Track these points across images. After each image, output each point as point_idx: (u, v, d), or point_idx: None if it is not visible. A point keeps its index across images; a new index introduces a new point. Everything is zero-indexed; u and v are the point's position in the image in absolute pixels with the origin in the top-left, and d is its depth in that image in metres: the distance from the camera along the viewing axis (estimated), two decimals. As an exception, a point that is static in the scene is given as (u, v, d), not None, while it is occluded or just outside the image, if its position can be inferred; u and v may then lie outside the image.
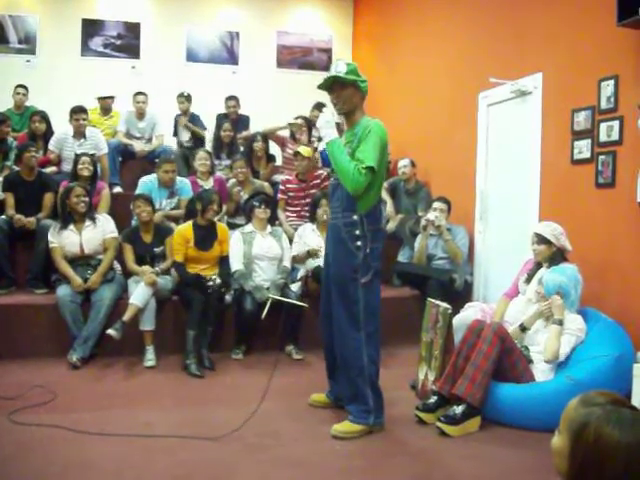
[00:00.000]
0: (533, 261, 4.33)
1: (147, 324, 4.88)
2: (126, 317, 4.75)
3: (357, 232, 3.42)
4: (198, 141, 7.74)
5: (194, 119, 7.89)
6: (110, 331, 4.65)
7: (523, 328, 3.97)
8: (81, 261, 5.07)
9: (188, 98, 7.81)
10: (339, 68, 3.46)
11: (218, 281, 4.96)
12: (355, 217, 3.42)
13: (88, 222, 5.16)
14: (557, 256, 4.13)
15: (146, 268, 5.01)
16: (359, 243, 3.41)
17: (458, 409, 3.52)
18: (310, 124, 6.95)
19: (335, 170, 3.45)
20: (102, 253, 5.16)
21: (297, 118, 7.13)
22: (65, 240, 5.06)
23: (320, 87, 3.56)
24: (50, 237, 5.08)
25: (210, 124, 7.88)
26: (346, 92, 3.47)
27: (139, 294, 4.83)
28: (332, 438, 3.41)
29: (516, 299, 4.33)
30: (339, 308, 3.49)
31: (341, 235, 3.46)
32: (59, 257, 5.01)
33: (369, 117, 3.53)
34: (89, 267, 5.05)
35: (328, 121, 3.49)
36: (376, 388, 3.51)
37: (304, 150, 6.29)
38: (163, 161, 6.06)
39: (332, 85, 3.49)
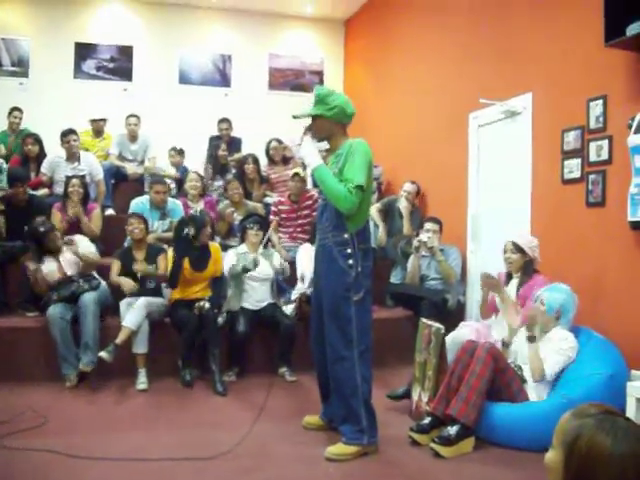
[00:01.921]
0: (504, 273, 4.44)
1: (140, 347, 4.84)
2: (119, 340, 4.71)
3: (349, 251, 3.43)
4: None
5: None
6: (102, 354, 4.61)
7: (504, 344, 4.01)
8: (66, 282, 5.05)
9: (180, 152, 7.76)
10: (310, 100, 3.58)
11: (207, 305, 4.92)
12: (346, 236, 3.44)
13: (64, 247, 5.20)
14: (528, 267, 4.29)
15: (125, 280, 5.03)
16: (351, 261, 3.43)
17: (452, 430, 3.51)
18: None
19: (325, 194, 3.48)
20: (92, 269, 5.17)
21: (270, 141, 7.24)
22: (45, 270, 5.06)
23: (295, 118, 3.68)
24: (43, 266, 5.09)
25: (202, 145, 7.89)
26: (316, 123, 3.58)
27: (132, 317, 4.79)
28: (326, 460, 3.38)
29: (497, 317, 4.38)
30: (331, 327, 3.48)
31: (333, 254, 3.47)
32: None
33: (351, 139, 3.57)
34: (71, 284, 5.01)
35: (306, 148, 3.55)
36: (369, 407, 3.49)
37: (302, 172, 6.33)
38: (155, 182, 6.08)
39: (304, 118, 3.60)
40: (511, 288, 4.35)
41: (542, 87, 4.90)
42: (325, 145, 3.69)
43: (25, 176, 5.94)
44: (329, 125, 3.56)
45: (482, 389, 3.55)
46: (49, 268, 5.08)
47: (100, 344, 4.76)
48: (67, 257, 5.15)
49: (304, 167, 6.20)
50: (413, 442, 3.64)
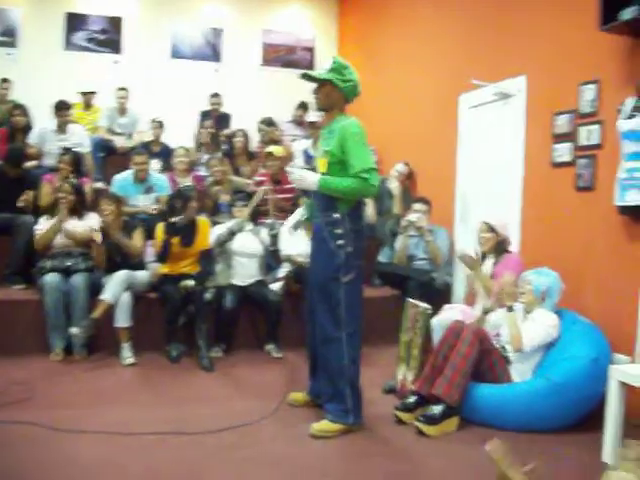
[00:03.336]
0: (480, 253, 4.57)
1: (121, 321, 4.81)
2: (96, 314, 4.71)
3: (339, 231, 3.41)
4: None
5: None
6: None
7: (485, 311, 4.11)
8: (62, 251, 5.03)
9: (160, 124, 7.45)
10: (326, 66, 3.51)
11: (191, 283, 4.91)
12: (336, 215, 3.42)
13: (75, 217, 5.15)
14: (500, 246, 4.46)
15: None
16: (341, 242, 3.40)
17: (436, 409, 3.54)
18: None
19: (345, 196, 3.40)
20: (83, 246, 5.11)
21: (260, 122, 7.34)
22: (69, 227, 5.07)
23: (303, 77, 3.59)
24: (37, 226, 5.10)
25: (192, 121, 7.84)
26: (324, 89, 3.52)
27: (110, 290, 4.77)
28: (310, 437, 3.41)
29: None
30: (321, 308, 3.49)
31: (323, 234, 3.46)
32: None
33: (346, 116, 3.54)
34: (70, 257, 5.01)
35: (296, 176, 3.49)
36: (356, 388, 3.51)
37: (276, 150, 6.25)
38: (134, 153, 6.09)
39: (313, 81, 3.54)
40: (486, 267, 4.44)
41: (536, 70, 4.89)
42: (318, 116, 3.65)
43: (21, 155, 5.88)
44: (336, 96, 3.51)
45: (467, 370, 3.59)
46: (68, 227, 5.08)
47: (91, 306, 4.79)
48: (72, 227, 5.12)
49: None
50: (398, 420, 3.67)
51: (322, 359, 3.56)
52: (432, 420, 3.51)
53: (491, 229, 4.44)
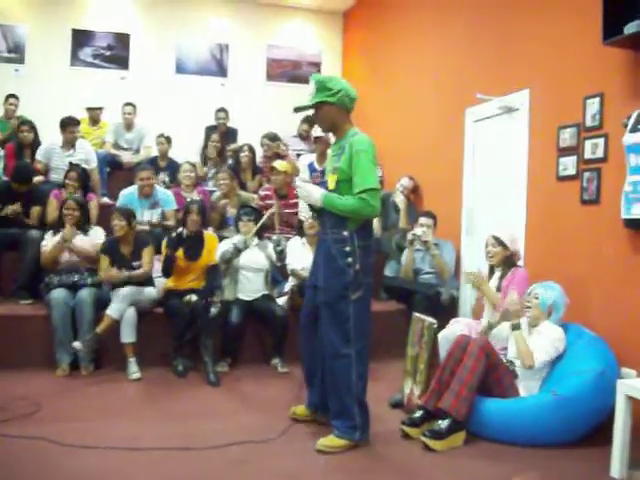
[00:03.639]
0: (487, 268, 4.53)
1: (126, 336, 4.82)
2: (99, 329, 4.73)
3: (347, 249, 3.40)
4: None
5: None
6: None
7: (490, 326, 4.08)
8: (68, 268, 5.05)
9: (168, 140, 7.41)
10: (310, 90, 3.50)
11: (194, 298, 4.92)
12: (345, 233, 3.41)
13: (80, 233, 5.16)
14: (509, 260, 4.39)
15: (114, 272, 4.98)
16: (350, 260, 3.39)
17: (443, 424, 3.53)
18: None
19: (346, 215, 3.40)
20: (89, 262, 5.13)
21: (263, 137, 7.34)
22: (77, 243, 5.08)
23: (296, 111, 3.61)
24: (44, 242, 5.12)
25: (198, 135, 7.88)
26: (320, 112, 3.52)
27: (114, 306, 4.79)
28: (316, 452, 3.40)
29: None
30: (329, 325, 3.46)
31: (331, 252, 3.44)
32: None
33: (356, 129, 3.53)
34: (76, 273, 5.02)
35: (303, 190, 3.54)
36: (363, 404, 3.50)
37: (279, 164, 6.27)
38: (139, 169, 6.09)
39: (306, 109, 3.56)
40: (493, 281, 4.41)
41: (539, 84, 4.90)
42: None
43: (29, 172, 5.90)
44: (334, 111, 3.49)
45: (473, 384, 3.58)
46: (76, 243, 5.08)
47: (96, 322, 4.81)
48: (78, 243, 5.12)
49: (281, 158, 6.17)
50: (404, 435, 3.66)
51: (330, 375, 3.53)
52: (438, 435, 3.50)
53: (500, 243, 4.39)
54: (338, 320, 3.43)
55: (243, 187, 6.84)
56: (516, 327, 3.84)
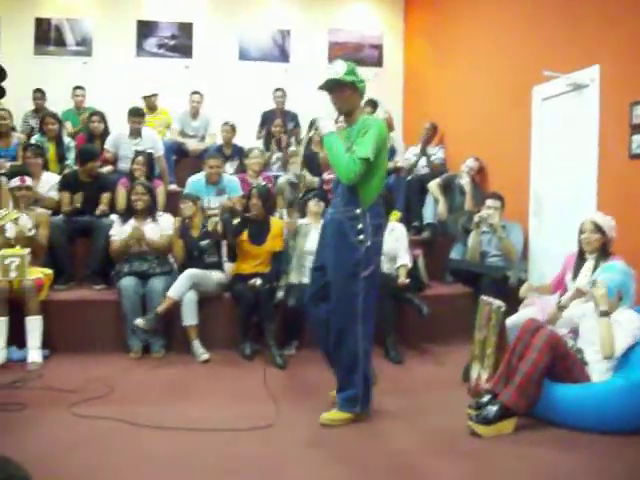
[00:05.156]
0: (575, 256, 4.27)
1: (188, 319, 4.91)
2: (160, 308, 4.81)
3: (360, 226, 3.46)
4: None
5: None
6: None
7: (560, 307, 3.90)
8: (138, 255, 5.17)
9: (233, 127, 7.50)
10: (338, 69, 3.54)
11: (259, 282, 4.95)
12: (358, 211, 3.47)
13: (149, 219, 5.29)
14: (605, 248, 4.11)
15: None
16: (361, 237, 3.45)
17: (492, 409, 3.45)
18: None
19: (331, 161, 3.52)
20: (160, 253, 5.26)
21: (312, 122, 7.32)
22: (125, 233, 5.19)
23: (320, 88, 3.61)
24: (112, 231, 5.26)
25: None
26: (345, 93, 3.56)
27: (175, 287, 4.88)
28: (320, 426, 3.48)
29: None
30: (338, 300, 3.53)
31: (344, 229, 3.49)
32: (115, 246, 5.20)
33: (369, 115, 3.59)
34: (145, 261, 5.14)
35: (329, 113, 3.60)
36: (366, 379, 3.57)
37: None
38: (208, 157, 6.18)
39: (332, 86, 3.56)
40: (585, 272, 4.11)
41: (610, 59, 4.73)
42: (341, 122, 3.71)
43: (97, 153, 6.07)
44: (356, 97, 3.60)
45: (535, 377, 3.46)
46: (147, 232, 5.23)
47: (166, 327, 4.96)
48: (148, 230, 5.25)
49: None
50: (471, 419, 3.61)
51: (336, 349, 3.58)
52: (485, 420, 3.43)
53: (598, 229, 4.10)
54: (347, 296, 3.48)
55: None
56: (604, 314, 3.63)
